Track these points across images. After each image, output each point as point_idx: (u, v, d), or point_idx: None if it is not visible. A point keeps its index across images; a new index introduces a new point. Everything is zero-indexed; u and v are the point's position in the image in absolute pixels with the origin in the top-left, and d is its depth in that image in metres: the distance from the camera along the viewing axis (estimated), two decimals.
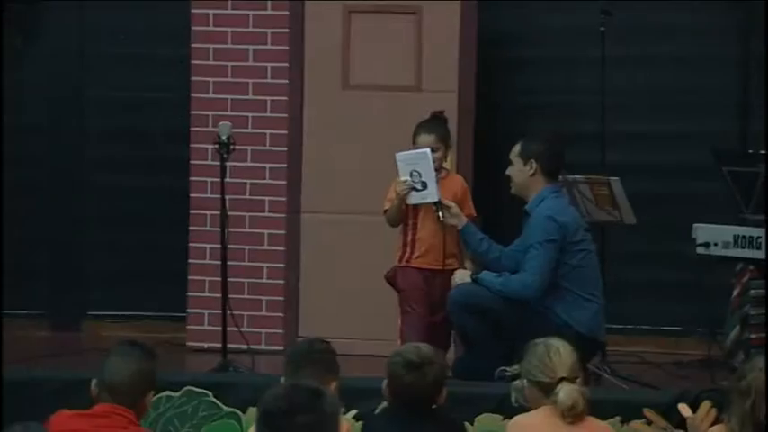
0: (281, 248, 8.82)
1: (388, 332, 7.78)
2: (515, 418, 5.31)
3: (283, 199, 8.83)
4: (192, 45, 8.89)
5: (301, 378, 4.82)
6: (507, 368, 6.57)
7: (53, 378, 7.25)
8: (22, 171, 9.62)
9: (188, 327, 8.87)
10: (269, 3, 8.82)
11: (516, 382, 5.49)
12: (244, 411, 7.05)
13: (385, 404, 5.39)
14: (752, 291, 8.37)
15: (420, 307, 7.68)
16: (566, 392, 5.13)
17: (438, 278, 7.72)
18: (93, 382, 5.14)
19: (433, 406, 5.24)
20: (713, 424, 6.17)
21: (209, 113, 8.72)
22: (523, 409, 5.40)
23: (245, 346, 8.13)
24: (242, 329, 8.21)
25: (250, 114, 8.80)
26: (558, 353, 5.26)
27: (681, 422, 6.88)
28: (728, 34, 9.03)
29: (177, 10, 8.98)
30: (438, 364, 5.21)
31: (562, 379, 5.18)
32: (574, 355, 5.31)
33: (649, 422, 6.96)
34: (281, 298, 8.80)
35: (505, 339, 7.10)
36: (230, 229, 8.10)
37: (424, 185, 7.55)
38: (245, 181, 8.70)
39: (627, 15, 8.69)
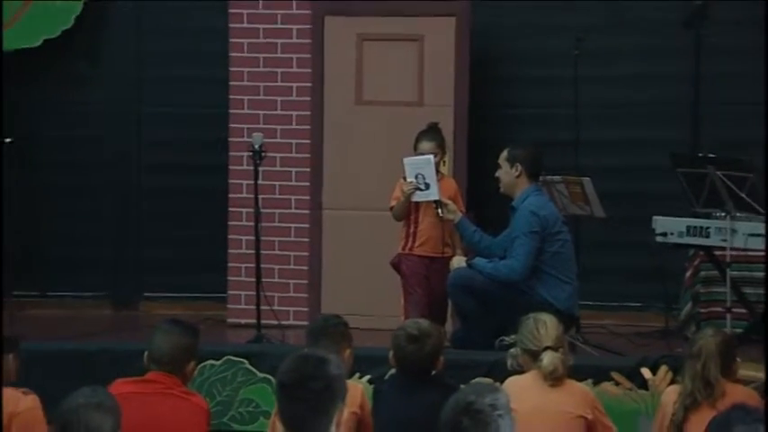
0: (306, 240, 8.84)
1: (393, 309, 7.80)
2: (509, 380, 5.32)
3: (307, 198, 8.85)
4: (230, 68, 8.91)
5: (320, 347, 4.82)
6: (506, 337, 6.58)
7: (114, 349, 7.27)
8: (89, 176, 9.67)
9: (228, 306, 8.89)
10: (294, 32, 8.84)
11: (512, 350, 5.53)
12: (275, 376, 7.04)
13: (393, 371, 5.38)
14: (702, 272, 8.38)
15: (420, 288, 7.70)
16: (548, 359, 5.17)
17: (436, 264, 7.73)
18: (146, 354, 5.16)
19: (433, 372, 5.25)
20: (670, 384, 6.17)
21: (245, 126, 8.75)
22: (515, 372, 5.42)
23: (275, 322, 8.18)
24: (273, 308, 8.29)
25: (279, 127, 8.82)
26: (545, 326, 5.29)
27: (643, 383, 6.91)
28: (682, 56, 9.00)
29: (217, 38, 8.98)
30: (435, 337, 5.23)
31: (547, 348, 5.19)
32: (559, 328, 5.35)
33: (617, 383, 6.96)
34: (305, 281, 8.82)
35: (495, 315, 7.09)
36: (262, 224, 8.17)
37: (427, 186, 7.56)
38: (274, 183, 8.71)
39: (597, 41, 8.67)
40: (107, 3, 9.51)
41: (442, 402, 4.00)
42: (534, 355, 5.23)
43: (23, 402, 4.79)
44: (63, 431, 4.01)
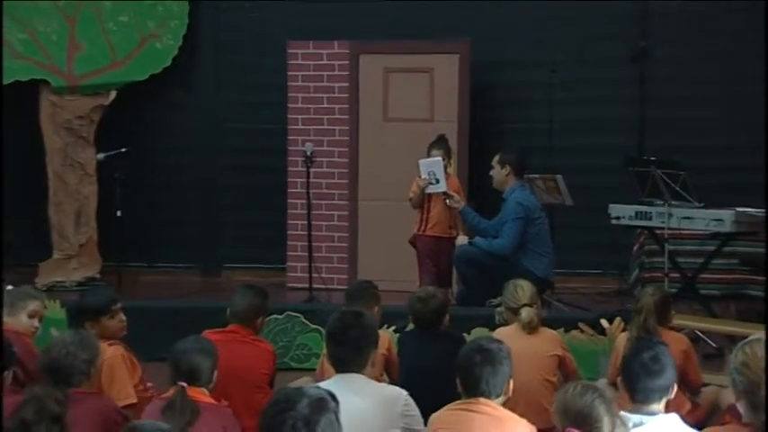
0: (346, 224, 8.83)
1: (411, 276, 7.80)
2: (498, 330, 5.33)
3: (346, 192, 8.83)
4: (289, 94, 8.90)
5: (356, 306, 4.80)
6: (493, 300, 6.54)
7: (202, 307, 7.28)
8: (183, 175, 9.68)
9: (287, 274, 8.88)
10: (336, 66, 8.82)
11: (498, 308, 5.50)
12: (323, 327, 7.03)
13: (411, 326, 5.36)
14: (646, 247, 8.40)
15: (431, 261, 7.72)
16: (526, 313, 5.19)
17: (443, 242, 7.73)
18: (228, 310, 5.16)
19: (441, 327, 5.22)
20: (622, 332, 6.13)
21: (299, 138, 8.73)
22: (502, 324, 5.39)
23: (323, 286, 8.18)
24: (321, 275, 8.28)
25: (325, 138, 8.79)
26: (522, 288, 5.31)
27: (602, 331, 6.91)
28: (631, 84, 9.00)
29: (279, 72, 8.94)
30: (438, 299, 5.24)
31: (524, 305, 5.16)
32: (532, 289, 5.36)
33: (582, 331, 6.96)
34: (345, 255, 8.81)
35: (490, 281, 7.04)
36: (313, 212, 8.16)
37: (437, 181, 7.58)
38: (322, 180, 8.68)
39: (566, 72, 8.66)
40: (196, 47, 9.49)
41: (450, 351, 4.03)
42: (515, 311, 5.24)
43: (107, 352, 4.76)
44: (174, 368, 4.09)
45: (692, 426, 4.22)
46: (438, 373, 4.20)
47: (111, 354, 4.76)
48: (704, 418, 5.22)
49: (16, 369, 4.38)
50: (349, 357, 3.95)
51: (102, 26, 9.10)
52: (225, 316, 5.19)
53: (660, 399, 3.70)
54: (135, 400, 4.68)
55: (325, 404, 3.00)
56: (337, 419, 2.93)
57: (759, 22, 8.17)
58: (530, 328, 5.16)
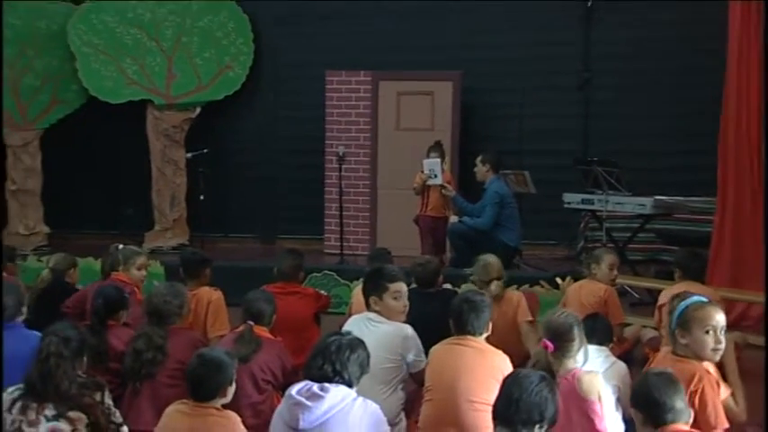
0: (368, 206, 8.83)
1: (414, 245, 7.81)
2: None
3: (369, 182, 8.82)
4: (326, 110, 8.89)
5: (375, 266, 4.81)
6: (467, 269, 6.48)
7: (262, 267, 7.18)
8: (248, 170, 9.68)
9: (324, 243, 8.88)
10: (361, 90, 8.80)
11: (472, 277, 5.17)
12: (351, 282, 7.09)
13: (414, 285, 5.33)
14: (589, 224, 8.38)
15: (430, 235, 7.73)
16: (495, 285, 4.92)
17: (439, 221, 7.76)
18: (275, 269, 5.17)
19: (437, 286, 5.13)
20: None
21: (334, 142, 8.73)
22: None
23: (351, 252, 8.19)
24: (350, 244, 8.31)
25: (353, 143, 8.78)
26: (491, 265, 5.00)
27: (557, 286, 6.90)
28: (578, 105, 8.96)
29: (318, 93, 8.92)
30: (434, 263, 5.14)
31: (493, 279, 4.93)
32: (499, 263, 5.06)
33: (542, 287, 6.96)
34: (368, 230, 8.81)
35: (474, 249, 6.98)
36: (344, 197, 8.17)
37: (436, 176, 7.58)
38: (350, 174, 8.65)
39: (532, 95, 8.64)
40: (259, 76, 9.46)
41: (445, 303, 4.04)
42: (486, 283, 4.93)
43: (214, 295, 4.82)
44: (245, 310, 4.15)
45: (621, 354, 4.28)
46: (436, 320, 4.22)
47: (218, 296, 4.81)
48: (630, 349, 5.27)
49: (128, 312, 4.44)
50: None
51: (191, 61, 9.22)
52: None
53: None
54: (227, 332, 4.66)
55: (365, 346, 3.12)
56: (367, 362, 3.06)
57: (671, 61, 8.45)
58: (497, 298, 4.84)
